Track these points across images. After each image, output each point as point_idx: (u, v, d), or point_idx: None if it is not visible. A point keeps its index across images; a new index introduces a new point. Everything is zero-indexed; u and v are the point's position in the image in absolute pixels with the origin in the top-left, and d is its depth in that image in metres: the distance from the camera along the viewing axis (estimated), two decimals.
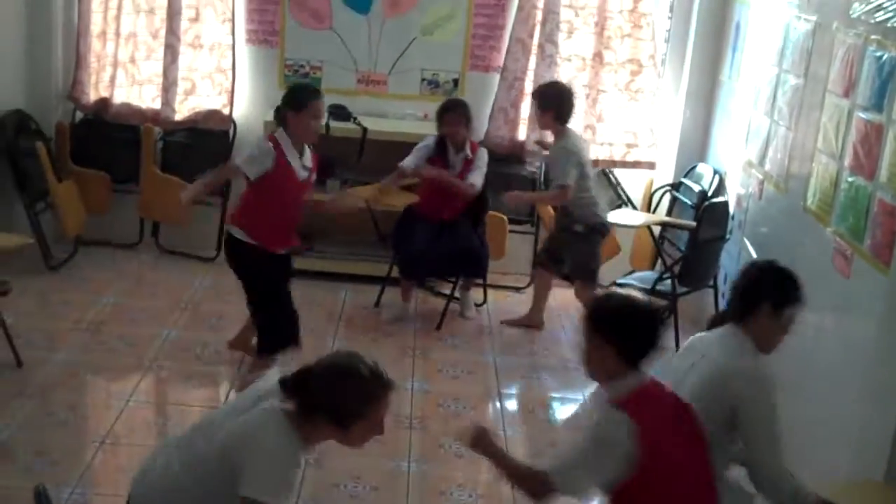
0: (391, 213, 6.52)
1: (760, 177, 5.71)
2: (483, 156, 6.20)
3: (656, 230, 6.49)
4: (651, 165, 6.96)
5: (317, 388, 2.90)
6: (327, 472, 4.57)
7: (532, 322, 6.35)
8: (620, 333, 3.00)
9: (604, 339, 3.00)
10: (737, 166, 6.16)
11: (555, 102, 5.95)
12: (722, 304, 6.00)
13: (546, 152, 6.45)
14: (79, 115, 7.02)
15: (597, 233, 6.08)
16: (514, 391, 5.60)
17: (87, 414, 4.97)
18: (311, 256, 6.94)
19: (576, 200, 5.96)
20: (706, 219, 5.67)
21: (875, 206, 4.13)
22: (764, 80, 5.79)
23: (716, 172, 6.34)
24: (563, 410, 5.50)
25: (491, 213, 6.77)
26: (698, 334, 3.56)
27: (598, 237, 6.11)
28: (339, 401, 2.91)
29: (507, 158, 7.00)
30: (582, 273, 6.11)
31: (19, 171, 6.47)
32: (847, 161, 4.47)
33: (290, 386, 2.94)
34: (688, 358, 3.43)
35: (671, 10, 6.94)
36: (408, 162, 6.14)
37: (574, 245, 6.08)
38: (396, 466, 4.68)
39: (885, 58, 4.17)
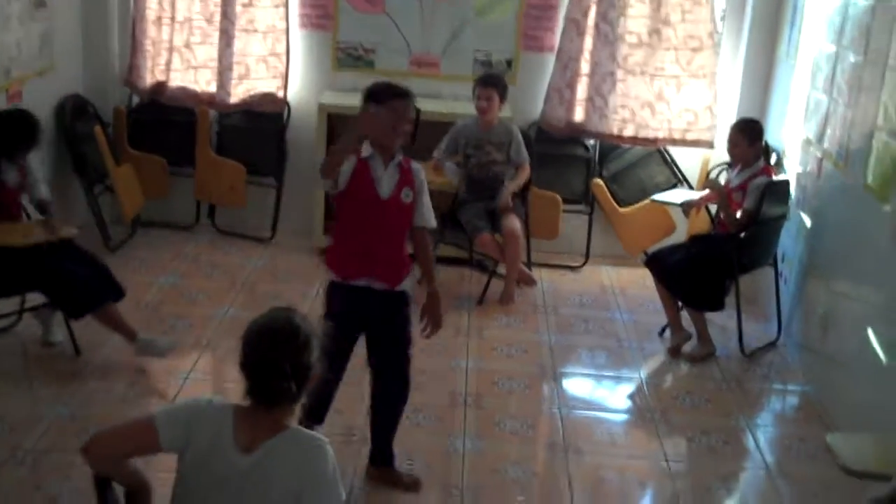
0: (436, 192, 6.53)
1: (819, 155, 5.64)
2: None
3: (714, 209, 6.41)
4: (710, 144, 6.88)
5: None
6: None
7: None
8: None
9: None
10: (795, 144, 6.08)
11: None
12: (781, 284, 5.94)
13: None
14: (135, 99, 7.10)
15: None
16: (568, 370, 5.59)
17: (147, 392, 5.03)
18: None
19: None
20: (767, 198, 5.60)
21: None
22: (822, 57, 5.71)
23: (774, 151, 6.26)
24: (617, 390, 5.47)
25: (545, 192, 6.77)
26: None
27: None
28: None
29: (563, 140, 6.99)
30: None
31: (78, 156, 6.56)
32: None
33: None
34: None
35: None
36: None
37: None
38: (451, 444, 4.69)
39: None
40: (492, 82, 6.35)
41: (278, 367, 2.63)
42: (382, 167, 4.01)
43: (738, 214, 5.68)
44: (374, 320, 4.14)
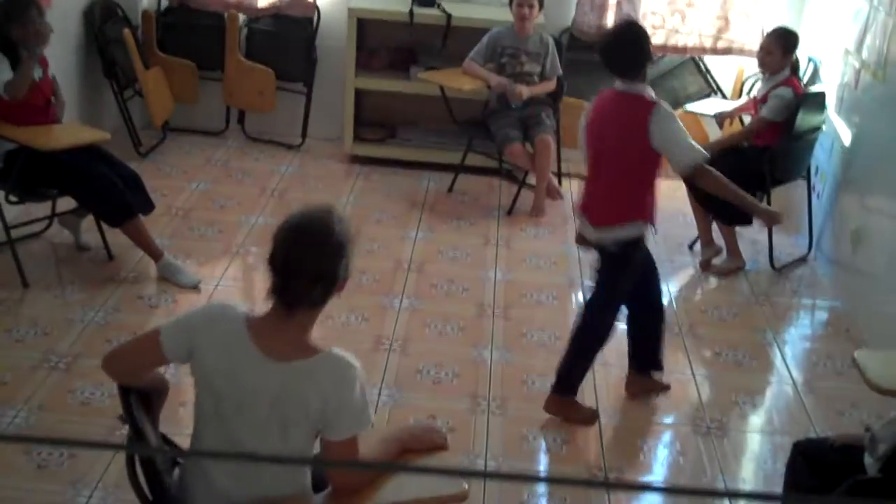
0: (465, 100, 6.50)
1: (857, 65, 5.53)
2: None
3: (748, 119, 6.32)
4: (745, 51, 6.74)
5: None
6: (411, 357, 4.64)
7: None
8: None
9: None
10: (833, 54, 5.96)
11: None
12: (814, 198, 5.88)
13: None
14: (164, 2, 7.03)
15: None
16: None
17: (178, 298, 5.07)
18: (393, 144, 6.95)
19: None
20: (802, 109, 5.51)
21: None
22: None
23: (810, 60, 6.15)
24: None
25: (577, 100, 6.68)
26: None
27: None
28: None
29: (595, 46, 6.87)
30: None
31: (107, 59, 6.52)
32: None
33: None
34: None
35: None
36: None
37: None
38: (479, 354, 4.73)
39: None
40: None
41: (305, 268, 2.59)
42: None
43: (750, 121, 5.62)
44: None
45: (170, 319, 2.82)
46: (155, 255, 5.17)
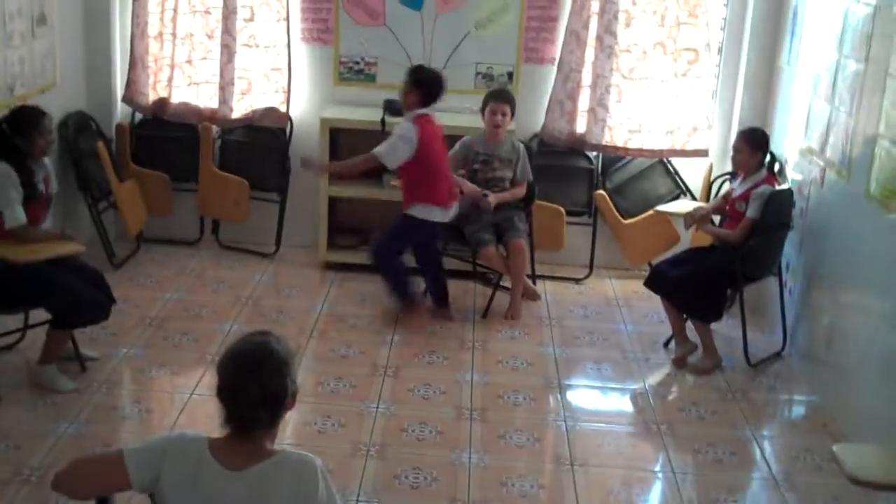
0: None
1: (822, 164, 5.63)
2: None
3: (717, 219, 6.41)
4: (704, 153, 6.88)
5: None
6: (389, 462, 4.59)
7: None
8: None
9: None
10: (797, 153, 6.08)
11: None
12: (786, 294, 5.94)
13: None
14: (138, 116, 7.11)
15: None
16: (574, 382, 5.58)
17: (152, 408, 5.03)
18: (366, 250, 6.97)
19: None
20: (770, 207, 5.60)
21: None
22: (823, 65, 5.71)
23: (776, 160, 6.26)
24: (623, 402, 5.47)
25: (548, 204, 6.77)
26: None
27: None
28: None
29: (565, 151, 7.00)
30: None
31: (81, 172, 6.57)
32: None
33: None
34: None
35: None
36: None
37: None
38: (457, 457, 4.68)
39: None
40: (506, 98, 6.37)
41: (248, 394, 2.64)
42: None
43: (740, 224, 5.68)
44: None
45: (132, 445, 2.79)
46: (50, 358, 5.09)
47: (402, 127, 5.94)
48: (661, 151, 6.94)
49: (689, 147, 6.90)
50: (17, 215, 4.89)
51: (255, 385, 2.64)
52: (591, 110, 6.87)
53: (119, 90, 7.05)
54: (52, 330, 5.07)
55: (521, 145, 6.53)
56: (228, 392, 2.67)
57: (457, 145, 6.43)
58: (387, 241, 6.17)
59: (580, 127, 6.95)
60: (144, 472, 2.67)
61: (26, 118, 5.00)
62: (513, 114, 6.38)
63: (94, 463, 2.84)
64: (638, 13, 6.78)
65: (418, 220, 6.03)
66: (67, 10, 6.56)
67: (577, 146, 6.99)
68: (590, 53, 6.82)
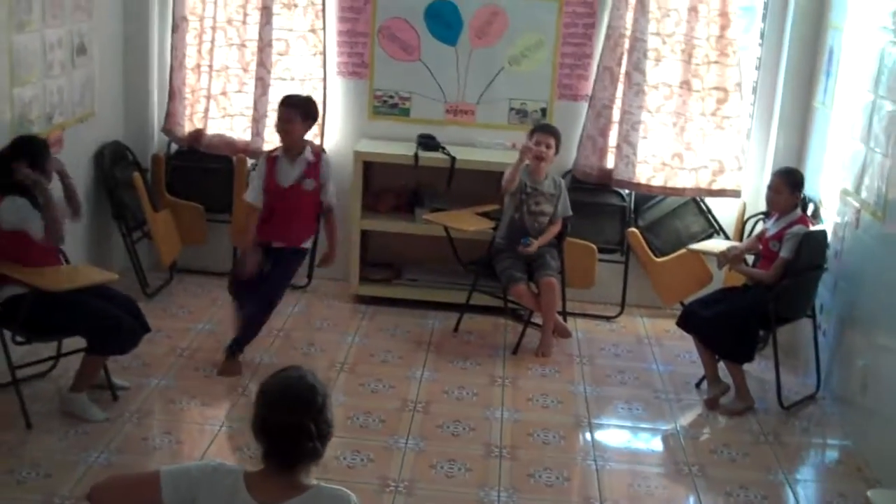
0: (470, 241, 6.56)
1: (857, 205, 5.60)
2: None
3: (751, 259, 6.38)
4: (736, 193, 6.86)
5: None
6: (417, 499, 4.57)
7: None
8: None
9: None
10: (832, 195, 6.05)
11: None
12: (820, 336, 5.88)
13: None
14: (174, 146, 7.17)
15: None
16: (604, 421, 5.54)
17: (182, 439, 5.04)
18: (398, 284, 7.00)
19: None
20: (804, 248, 5.57)
21: None
22: (859, 106, 5.69)
23: (811, 201, 6.23)
24: (653, 442, 5.42)
25: (580, 241, 6.75)
26: None
27: None
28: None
29: (597, 188, 6.99)
30: None
31: (116, 201, 6.63)
32: None
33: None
34: None
35: (762, 37, 6.86)
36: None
37: None
38: (486, 495, 4.65)
39: None
40: (551, 130, 6.38)
41: (305, 428, 2.67)
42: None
43: (774, 264, 5.65)
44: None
45: (170, 466, 2.81)
46: (82, 386, 5.11)
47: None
48: (685, 190, 6.90)
49: (715, 186, 6.87)
50: (38, 227, 4.89)
51: (307, 421, 2.67)
52: (618, 147, 6.86)
53: (156, 121, 7.12)
54: (87, 357, 5.09)
55: (563, 181, 6.53)
56: (277, 428, 2.68)
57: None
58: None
59: (609, 163, 6.95)
60: (178, 495, 2.69)
61: (38, 148, 5.02)
62: (557, 149, 6.36)
63: (130, 480, 2.92)
64: (667, 52, 6.78)
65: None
66: (107, 40, 6.64)
67: (606, 182, 6.98)
68: (620, 90, 6.83)
